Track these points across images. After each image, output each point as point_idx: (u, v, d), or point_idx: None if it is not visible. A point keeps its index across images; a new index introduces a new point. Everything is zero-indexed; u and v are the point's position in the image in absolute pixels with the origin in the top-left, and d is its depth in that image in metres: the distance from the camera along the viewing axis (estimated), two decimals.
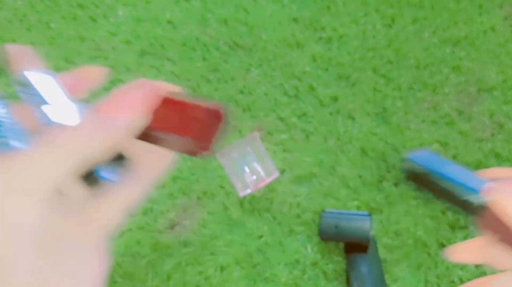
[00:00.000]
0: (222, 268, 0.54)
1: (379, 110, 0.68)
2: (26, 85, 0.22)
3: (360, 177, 0.62)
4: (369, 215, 0.60)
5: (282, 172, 0.65)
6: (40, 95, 0.23)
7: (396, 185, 0.64)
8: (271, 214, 0.62)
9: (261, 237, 0.56)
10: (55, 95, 0.23)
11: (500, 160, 0.65)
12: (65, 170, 0.19)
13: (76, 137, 0.20)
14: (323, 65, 0.72)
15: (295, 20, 0.76)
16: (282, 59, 0.72)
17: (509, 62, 0.74)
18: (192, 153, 0.23)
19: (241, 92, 0.70)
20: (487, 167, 0.63)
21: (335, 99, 0.69)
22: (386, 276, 0.60)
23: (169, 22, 0.75)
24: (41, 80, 0.23)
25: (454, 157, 0.64)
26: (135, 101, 0.22)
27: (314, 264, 0.61)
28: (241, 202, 0.63)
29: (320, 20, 0.76)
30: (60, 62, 0.70)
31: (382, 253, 0.61)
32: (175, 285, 0.59)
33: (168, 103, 0.23)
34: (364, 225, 0.59)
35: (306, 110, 0.67)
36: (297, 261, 0.61)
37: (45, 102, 0.23)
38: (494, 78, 0.72)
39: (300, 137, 0.66)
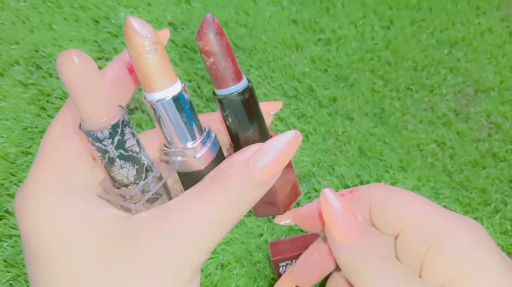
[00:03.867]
0: (223, 266, 0.54)
1: (377, 111, 0.69)
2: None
3: (358, 176, 0.63)
4: None
5: None
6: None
7: (393, 184, 0.64)
8: None
9: (261, 235, 0.57)
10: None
11: (497, 160, 0.65)
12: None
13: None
14: (322, 66, 0.73)
15: (294, 22, 0.77)
16: (281, 60, 0.73)
17: (506, 63, 0.74)
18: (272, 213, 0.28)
19: None
20: (484, 167, 0.64)
21: (334, 100, 0.70)
22: None
23: (170, 23, 0.75)
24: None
25: (451, 157, 0.65)
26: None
27: None
28: None
29: (319, 22, 0.77)
30: None
31: None
32: None
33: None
34: None
35: (305, 111, 0.68)
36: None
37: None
38: (491, 79, 0.73)
39: None
